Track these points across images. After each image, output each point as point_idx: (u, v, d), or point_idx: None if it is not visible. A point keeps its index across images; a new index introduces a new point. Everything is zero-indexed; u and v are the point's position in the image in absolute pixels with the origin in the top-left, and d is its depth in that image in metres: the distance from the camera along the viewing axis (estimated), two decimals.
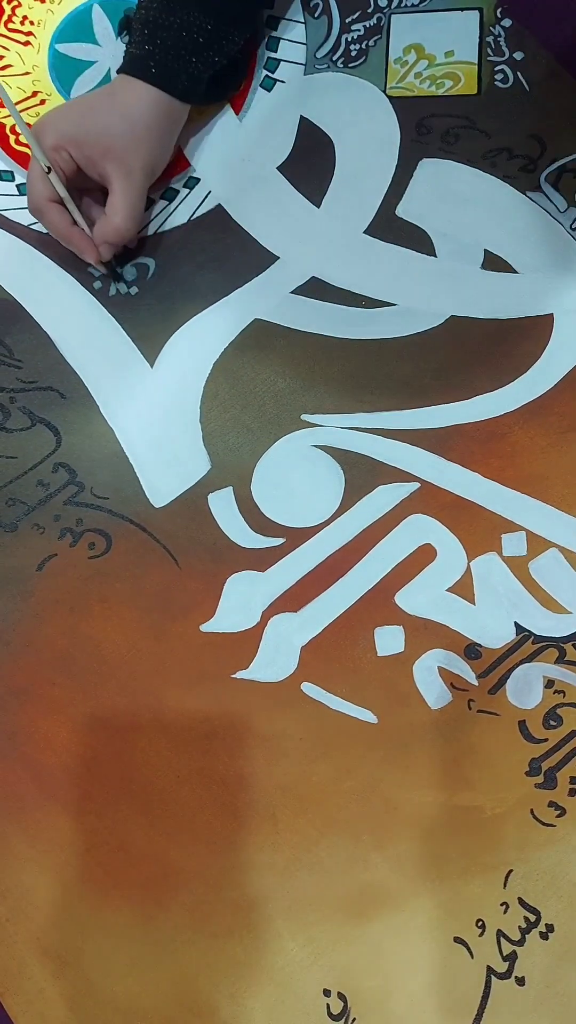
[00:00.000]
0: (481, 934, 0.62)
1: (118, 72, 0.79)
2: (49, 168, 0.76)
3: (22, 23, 0.88)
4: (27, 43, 0.88)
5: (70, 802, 0.67)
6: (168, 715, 0.68)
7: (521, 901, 0.63)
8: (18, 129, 0.75)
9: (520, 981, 0.61)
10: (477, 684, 0.67)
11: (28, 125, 0.76)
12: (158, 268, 0.81)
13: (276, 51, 0.86)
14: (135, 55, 0.78)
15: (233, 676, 0.69)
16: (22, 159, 0.85)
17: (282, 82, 0.85)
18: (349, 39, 0.85)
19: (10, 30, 0.88)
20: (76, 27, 0.88)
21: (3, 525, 0.74)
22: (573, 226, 0.78)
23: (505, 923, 0.62)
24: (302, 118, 0.83)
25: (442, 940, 0.62)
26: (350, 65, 0.84)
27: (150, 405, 0.77)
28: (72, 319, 0.80)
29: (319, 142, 0.83)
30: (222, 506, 0.73)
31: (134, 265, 0.81)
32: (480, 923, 0.62)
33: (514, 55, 0.83)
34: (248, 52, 0.86)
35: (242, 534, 0.72)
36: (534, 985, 0.61)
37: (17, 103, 0.86)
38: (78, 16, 0.88)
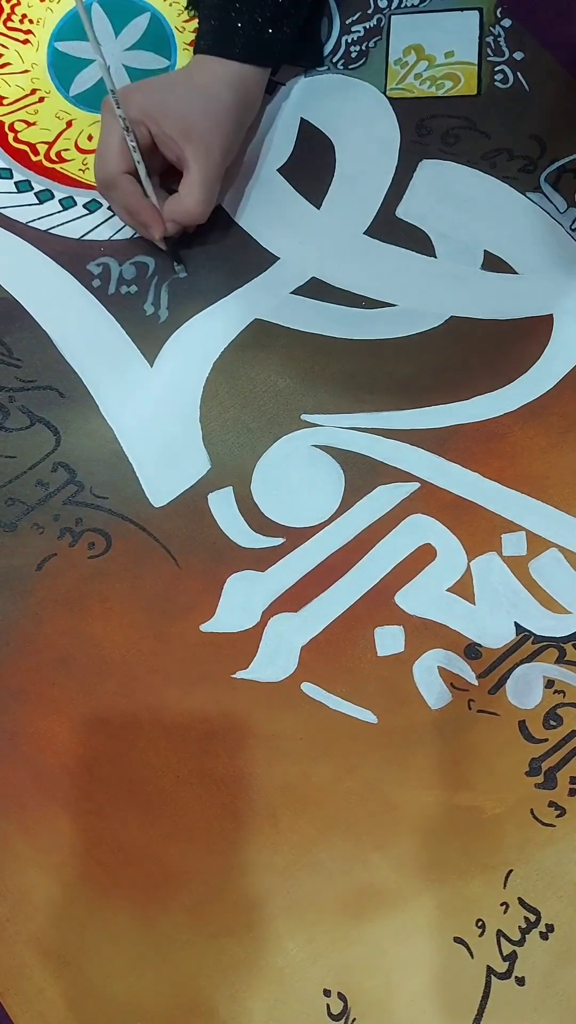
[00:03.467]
0: (481, 934, 0.62)
1: (196, 52, 0.79)
2: (128, 128, 0.74)
3: (21, 21, 0.88)
4: (26, 41, 0.88)
5: (70, 802, 0.67)
6: (168, 715, 0.68)
7: (521, 901, 0.63)
8: (106, 86, 0.73)
9: (520, 981, 0.61)
10: (477, 684, 0.67)
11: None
12: (158, 267, 0.81)
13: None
14: (215, 28, 0.78)
15: (233, 676, 0.69)
16: (21, 156, 0.85)
17: (282, 84, 0.85)
18: (349, 40, 0.85)
19: (9, 28, 0.88)
20: (75, 25, 0.88)
21: (2, 525, 0.74)
22: (573, 227, 0.78)
23: (505, 923, 0.62)
24: (302, 120, 0.83)
25: (442, 940, 0.62)
26: (350, 66, 0.84)
27: (150, 404, 0.77)
28: (71, 318, 0.80)
29: (319, 143, 0.83)
30: (222, 506, 0.73)
31: (133, 264, 0.81)
32: (480, 923, 0.62)
33: (514, 55, 0.83)
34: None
35: (242, 534, 0.72)
36: (534, 985, 0.61)
37: (15, 101, 0.86)
38: (77, 14, 0.88)
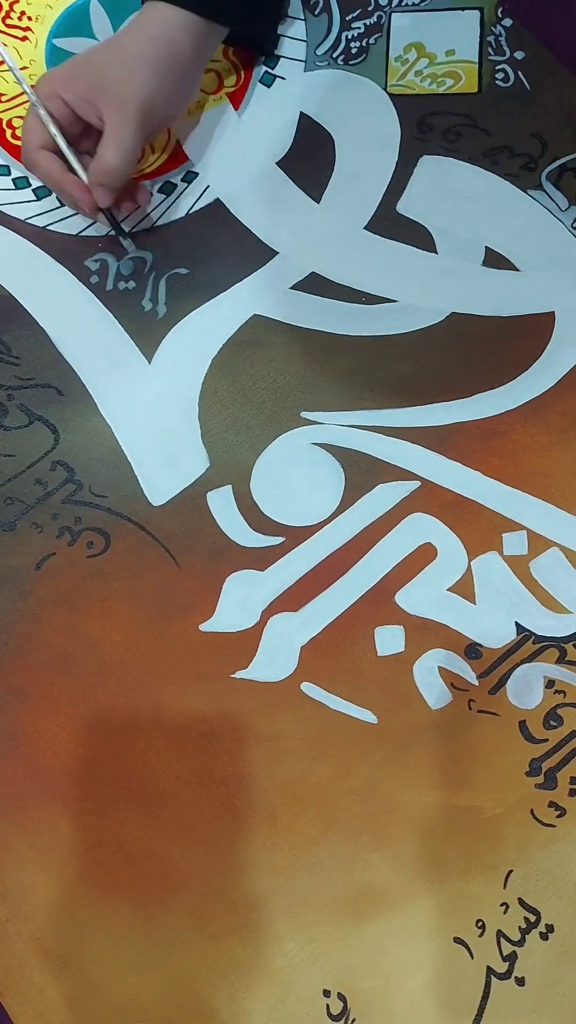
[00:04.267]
0: (481, 934, 0.62)
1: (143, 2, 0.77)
2: (38, 102, 0.74)
3: (20, 18, 0.88)
4: (25, 38, 0.87)
5: (70, 802, 0.67)
6: (167, 715, 0.68)
7: (521, 901, 0.63)
8: (13, 76, 0.74)
9: (520, 981, 0.61)
10: (477, 684, 0.67)
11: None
12: (156, 262, 0.80)
13: (276, 47, 0.85)
14: None
15: (233, 676, 0.69)
16: (18, 153, 0.84)
17: (282, 78, 0.84)
18: (349, 36, 0.85)
19: (8, 25, 0.88)
20: (74, 22, 0.87)
21: (1, 524, 0.74)
22: (574, 224, 0.77)
23: (505, 923, 0.62)
24: (302, 114, 0.83)
25: (442, 940, 0.62)
26: (350, 62, 0.84)
27: (148, 402, 0.77)
28: (70, 315, 0.80)
29: (319, 138, 0.82)
30: (221, 505, 0.73)
31: (131, 259, 0.80)
32: (480, 923, 0.63)
33: (515, 54, 0.83)
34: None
35: (241, 533, 0.72)
36: (534, 985, 0.61)
37: (14, 98, 0.86)
38: (76, 11, 0.88)
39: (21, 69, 0.86)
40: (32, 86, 0.76)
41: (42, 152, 0.76)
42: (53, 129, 0.75)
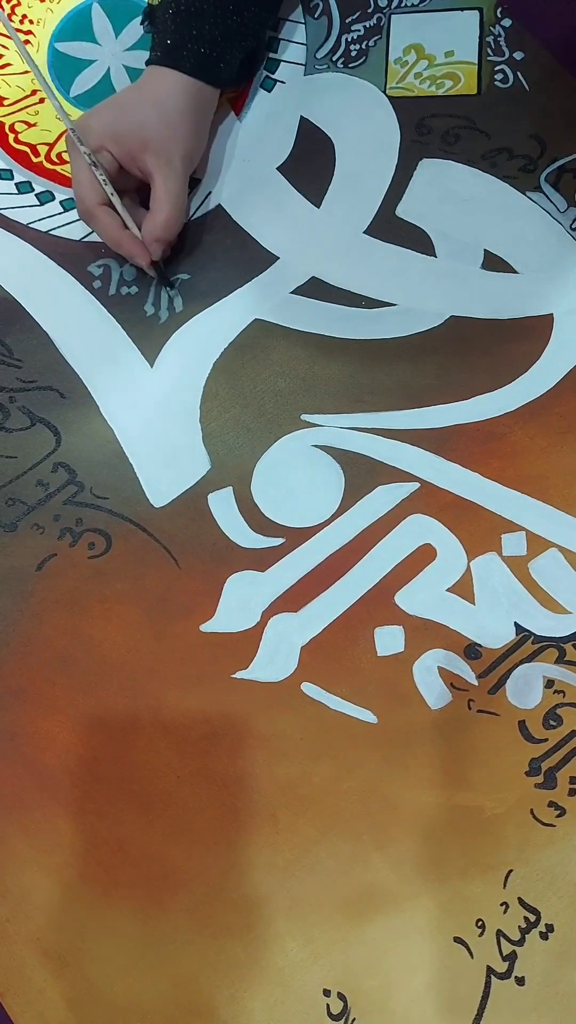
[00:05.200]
0: (481, 934, 0.62)
1: (147, 64, 0.79)
2: (95, 162, 0.76)
3: (21, 22, 0.88)
4: (27, 42, 0.88)
5: (70, 802, 0.67)
6: (168, 715, 0.68)
7: (521, 901, 0.63)
8: (64, 125, 0.77)
9: (520, 981, 0.61)
10: (477, 684, 0.67)
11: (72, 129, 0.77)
12: (158, 268, 0.80)
13: (276, 51, 0.86)
14: (168, 45, 0.78)
15: (233, 676, 0.69)
16: (21, 158, 0.85)
17: (282, 82, 0.85)
18: (349, 39, 0.85)
19: None
20: (76, 26, 0.88)
21: (3, 525, 0.74)
22: (573, 226, 0.78)
23: (505, 923, 0.62)
24: (302, 118, 0.83)
25: (442, 940, 0.62)
26: (350, 65, 0.84)
27: (150, 405, 0.77)
28: (72, 318, 0.80)
29: (319, 142, 0.83)
30: (222, 506, 0.73)
31: (133, 265, 0.81)
32: (480, 923, 0.62)
33: (514, 55, 0.83)
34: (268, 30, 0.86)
35: (242, 534, 0.72)
36: (534, 985, 0.61)
37: (16, 101, 0.86)
38: (78, 15, 0.88)
39: (23, 73, 0.87)
40: (74, 131, 0.77)
41: (102, 209, 0.78)
42: (110, 188, 0.77)
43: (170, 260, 0.81)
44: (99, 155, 0.77)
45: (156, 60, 0.78)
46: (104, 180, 0.76)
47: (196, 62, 0.78)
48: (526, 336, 0.75)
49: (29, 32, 0.88)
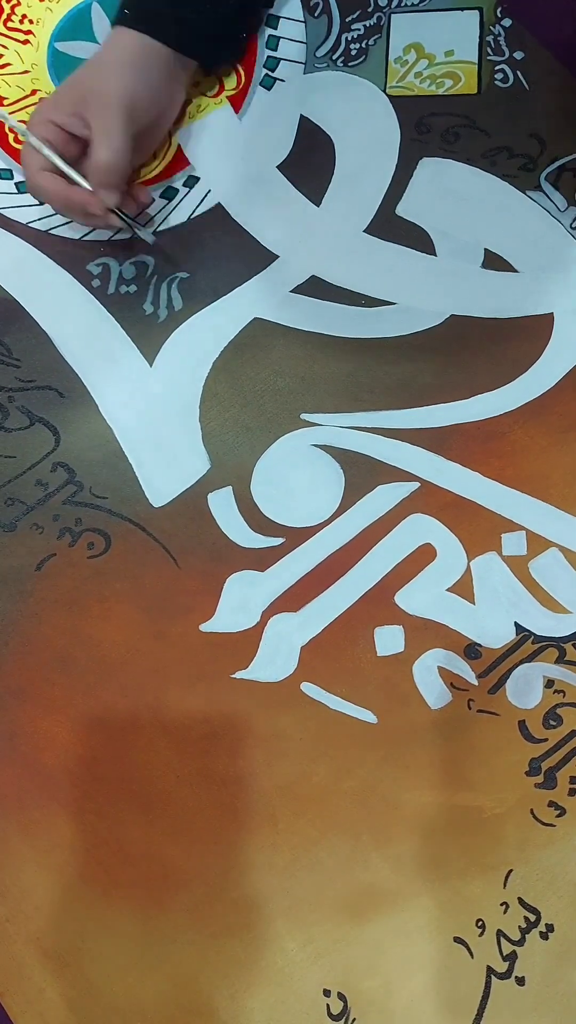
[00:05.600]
0: (481, 934, 0.62)
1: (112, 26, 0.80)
2: (22, 131, 0.77)
3: (21, 21, 0.88)
4: (26, 42, 0.88)
5: (70, 802, 0.67)
6: (168, 715, 0.68)
7: (521, 901, 0.63)
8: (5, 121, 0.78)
9: (520, 981, 0.61)
10: (477, 684, 0.67)
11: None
12: (157, 266, 0.80)
13: (276, 50, 0.86)
14: (122, 4, 0.79)
15: (233, 676, 0.69)
16: (21, 157, 0.85)
17: (282, 81, 0.84)
18: (349, 38, 0.85)
19: (9, 29, 0.88)
20: (75, 25, 0.88)
21: (2, 525, 0.74)
22: (573, 225, 0.78)
23: (505, 923, 0.62)
24: (302, 117, 0.83)
25: (442, 940, 0.62)
26: (350, 64, 0.84)
27: (149, 404, 0.77)
28: (71, 318, 0.80)
29: (319, 141, 0.83)
30: (221, 506, 0.73)
31: (133, 263, 0.80)
32: (480, 923, 0.62)
33: (514, 55, 0.83)
34: (250, 21, 0.86)
35: (242, 534, 0.72)
36: (534, 985, 0.61)
37: (16, 101, 0.86)
38: (77, 15, 0.88)
39: (23, 73, 0.87)
40: (22, 121, 0.78)
41: (43, 173, 0.77)
42: (46, 151, 0.76)
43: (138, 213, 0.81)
44: (45, 127, 0.76)
45: (115, 21, 0.79)
46: (40, 146, 0.76)
47: (141, 17, 0.77)
48: (526, 335, 0.75)
49: (29, 32, 0.88)
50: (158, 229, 0.82)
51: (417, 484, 0.72)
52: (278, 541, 0.72)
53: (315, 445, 0.74)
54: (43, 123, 0.76)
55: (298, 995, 0.62)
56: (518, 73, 0.82)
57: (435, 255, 0.79)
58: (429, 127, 0.82)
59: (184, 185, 0.83)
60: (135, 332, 0.79)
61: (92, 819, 0.66)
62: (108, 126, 0.75)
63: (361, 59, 0.84)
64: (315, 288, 0.79)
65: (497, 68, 0.82)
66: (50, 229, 0.83)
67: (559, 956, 0.62)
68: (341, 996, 0.62)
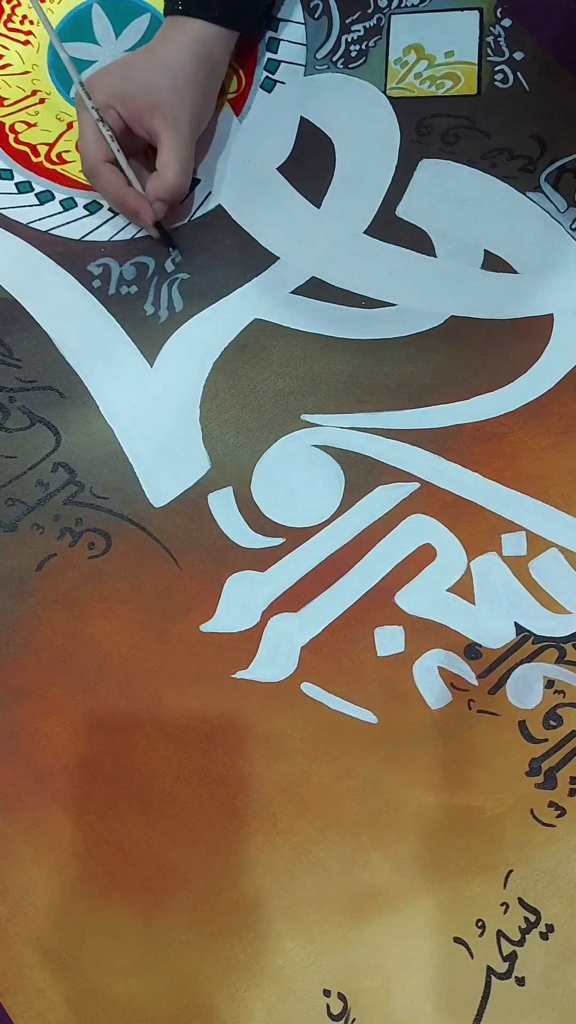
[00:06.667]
0: (481, 934, 0.62)
1: (166, 14, 0.80)
2: (101, 118, 0.77)
3: (22, 22, 0.88)
4: (27, 42, 0.88)
5: (70, 802, 0.67)
6: (168, 715, 0.68)
7: (521, 901, 0.63)
8: (71, 76, 0.78)
9: (520, 981, 0.61)
10: (477, 684, 0.67)
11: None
12: (158, 267, 0.81)
13: (276, 52, 0.86)
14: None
15: (233, 676, 0.69)
16: (21, 158, 0.85)
17: (282, 83, 0.85)
18: (349, 40, 0.85)
19: (10, 29, 0.88)
20: (76, 26, 0.88)
21: (2, 525, 0.74)
22: (573, 226, 0.78)
23: (505, 923, 0.62)
24: (302, 119, 0.83)
25: (442, 940, 0.62)
26: (350, 66, 0.84)
27: (150, 405, 0.77)
28: (72, 318, 0.80)
29: (319, 143, 0.83)
30: (222, 506, 0.73)
31: (133, 264, 0.81)
32: (480, 923, 0.62)
33: (514, 55, 0.83)
34: None
35: (242, 534, 0.72)
36: (534, 985, 0.61)
37: (16, 102, 0.86)
38: (78, 15, 0.88)
39: (23, 74, 0.87)
40: (82, 85, 0.78)
41: (107, 166, 0.78)
42: (115, 146, 0.78)
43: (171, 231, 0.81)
44: (106, 112, 0.77)
45: (178, 11, 0.79)
46: (110, 137, 0.77)
47: (225, 5, 0.78)
48: (526, 336, 0.76)
49: (29, 33, 0.88)
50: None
51: (417, 484, 0.72)
52: (278, 541, 0.72)
53: (315, 446, 0.74)
54: (107, 108, 0.78)
55: (298, 995, 0.62)
56: (518, 74, 0.82)
57: (435, 256, 0.79)
58: (429, 128, 0.82)
59: (171, 257, 0.83)
60: (136, 333, 0.79)
61: (92, 819, 0.66)
62: (180, 147, 0.78)
63: (361, 61, 0.84)
64: (315, 289, 0.79)
65: (497, 69, 0.83)
66: (50, 229, 0.83)
67: (559, 956, 0.61)
68: (341, 996, 0.62)
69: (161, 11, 0.84)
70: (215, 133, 0.84)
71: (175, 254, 0.80)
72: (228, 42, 0.81)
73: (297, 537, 0.72)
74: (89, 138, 0.78)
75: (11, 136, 0.86)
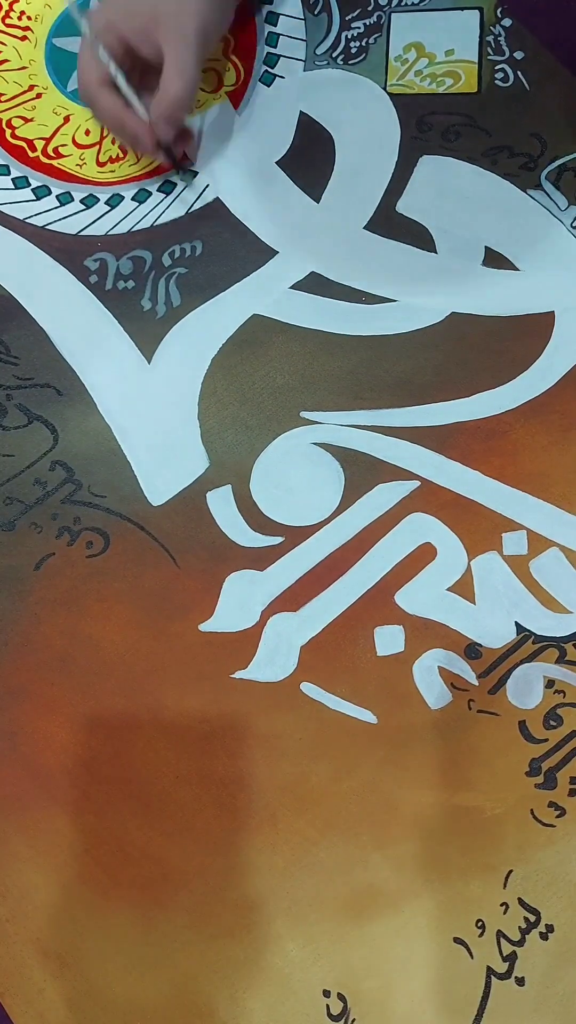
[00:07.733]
0: (481, 934, 0.62)
1: None
2: (98, 37, 0.74)
3: (19, 18, 0.88)
4: (24, 38, 0.87)
5: (69, 802, 0.67)
6: (167, 715, 0.68)
7: (521, 901, 0.63)
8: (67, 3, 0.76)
9: (520, 981, 0.61)
10: (477, 684, 0.67)
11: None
12: (155, 262, 0.80)
13: (276, 47, 0.85)
14: None
15: (232, 676, 0.69)
16: (18, 153, 0.85)
17: (281, 77, 0.84)
18: (349, 36, 0.85)
19: (7, 25, 0.88)
20: (73, 22, 0.87)
21: (0, 524, 0.73)
22: (573, 224, 0.78)
23: (505, 923, 0.62)
24: (302, 113, 0.83)
25: (442, 940, 0.62)
26: (350, 62, 0.84)
27: (148, 402, 0.76)
28: (69, 315, 0.80)
29: (319, 137, 0.82)
30: (221, 504, 0.73)
31: (130, 259, 0.80)
32: (480, 923, 0.62)
33: (514, 55, 0.83)
34: None
35: (241, 533, 0.72)
36: (534, 985, 0.61)
37: (13, 97, 0.86)
38: None
39: (20, 69, 0.86)
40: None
41: (104, 88, 0.76)
42: (114, 66, 0.75)
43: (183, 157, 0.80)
44: (108, 33, 0.75)
45: None
46: (108, 58, 0.74)
47: None
48: (527, 333, 0.75)
49: (27, 28, 0.87)
50: (156, 223, 0.81)
51: (417, 483, 0.72)
52: (277, 540, 0.72)
53: (315, 443, 0.74)
54: (108, 30, 0.75)
55: (298, 995, 0.62)
56: (518, 73, 0.82)
57: (436, 252, 0.78)
58: (430, 125, 0.81)
59: (182, 179, 0.82)
60: (133, 328, 0.78)
61: (91, 819, 0.66)
62: (185, 59, 0.74)
63: (361, 57, 0.84)
64: (315, 285, 0.78)
65: (497, 68, 0.82)
66: (47, 225, 0.82)
67: (559, 956, 0.61)
68: (341, 996, 0.62)
69: None
70: (214, 126, 0.84)
71: (186, 176, 0.79)
72: None
73: (296, 536, 0.72)
74: (84, 60, 0.75)
75: (8, 131, 0.85)
